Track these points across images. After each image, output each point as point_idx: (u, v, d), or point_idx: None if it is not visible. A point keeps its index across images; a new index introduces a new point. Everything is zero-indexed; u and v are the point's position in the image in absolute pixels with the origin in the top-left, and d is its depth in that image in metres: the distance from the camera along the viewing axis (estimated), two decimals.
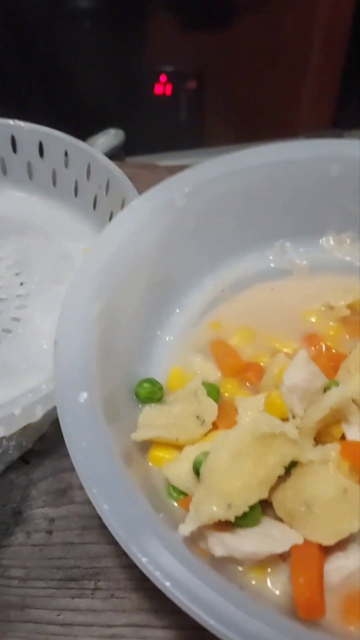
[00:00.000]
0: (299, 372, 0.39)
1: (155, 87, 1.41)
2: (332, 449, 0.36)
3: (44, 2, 1.27)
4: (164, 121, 1.43)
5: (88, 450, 0.33)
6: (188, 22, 1.52)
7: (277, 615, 0.31)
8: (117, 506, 0.31)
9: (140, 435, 0.40)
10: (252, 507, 0.34)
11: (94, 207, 0.61)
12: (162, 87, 1.41)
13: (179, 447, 0.40)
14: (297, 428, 0.37)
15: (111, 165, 0.58)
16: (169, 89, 1.42)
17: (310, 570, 0.32)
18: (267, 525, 0.35)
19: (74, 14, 1.29)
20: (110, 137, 0.81)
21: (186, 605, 0.28)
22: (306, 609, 0.31)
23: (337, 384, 0.39)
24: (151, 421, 0.41)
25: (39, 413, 0.42)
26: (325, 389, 0.39)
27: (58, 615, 0.39)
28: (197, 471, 0.37)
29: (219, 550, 0.33)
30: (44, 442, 0.46)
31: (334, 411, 0.37)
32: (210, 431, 0.40)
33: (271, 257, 0.53)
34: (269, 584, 0.34)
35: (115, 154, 0.84)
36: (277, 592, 0.34)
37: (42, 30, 1.27)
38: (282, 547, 0.33)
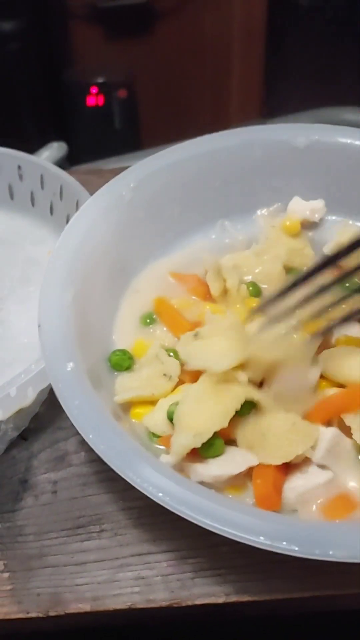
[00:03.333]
0: None
1: (87, 99, 1.44)
2: None
3: None
4: (100, 131, 1.47)
5: (81, 407, 0.40)
6: (111, 33, 1.56)
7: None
8: (111, 444, 0.38)
9: (121, 397, 0.47)
10: (214, 440, 0.41)
11: (51, 213, 0.68)
12: (94, 99, 1.45)
13: (153, 402, 0.47)
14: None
15: (62, 173, 0.64)
16: (101, 100, 1.45)
17: (265, 477, 0.41)
18: (231, 454, 0.42)
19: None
20: (55, 150, 0.87)
21: (176, 507, 0.35)
22: (262, 500, 0.40)
23: None
24: (126, 385, 0.48)
25: (30, 395, 0.48)
26: None
27: (72, 557, 0.45)
28: (170, 418, 0.44)
29: (193, 477, 0.41)
30: (38, 421, 0.53)
31: None
32: (177, 385, 0.47)
33: (213, 236, 0.60)
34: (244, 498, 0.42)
35: (60, 165, 0.90)
36: (251, 502, 0.42)
37: None
38: (240, 468, 0.41)
